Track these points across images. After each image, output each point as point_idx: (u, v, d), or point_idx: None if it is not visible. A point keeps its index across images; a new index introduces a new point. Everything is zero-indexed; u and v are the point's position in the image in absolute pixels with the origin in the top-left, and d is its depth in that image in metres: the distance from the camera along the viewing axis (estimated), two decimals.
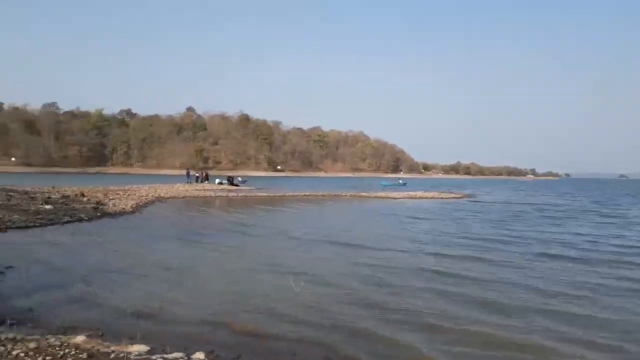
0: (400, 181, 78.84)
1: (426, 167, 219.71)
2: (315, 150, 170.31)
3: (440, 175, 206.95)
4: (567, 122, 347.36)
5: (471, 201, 39.38)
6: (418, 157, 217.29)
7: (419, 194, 45.50)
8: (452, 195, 46.93)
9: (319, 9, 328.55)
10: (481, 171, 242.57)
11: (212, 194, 36.21)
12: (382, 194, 43.91)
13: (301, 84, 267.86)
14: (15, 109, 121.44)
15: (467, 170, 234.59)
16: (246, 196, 36.03)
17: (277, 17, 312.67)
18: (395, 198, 39.70)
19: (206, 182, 47.84)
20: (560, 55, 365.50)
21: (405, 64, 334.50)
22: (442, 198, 42.23)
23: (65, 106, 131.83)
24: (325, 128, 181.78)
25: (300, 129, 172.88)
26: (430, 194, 45.18)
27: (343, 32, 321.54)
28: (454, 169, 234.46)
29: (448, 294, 8.42)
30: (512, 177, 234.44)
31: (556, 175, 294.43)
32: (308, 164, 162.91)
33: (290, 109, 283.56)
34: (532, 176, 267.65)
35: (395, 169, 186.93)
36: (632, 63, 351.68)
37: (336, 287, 8.75)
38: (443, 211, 27.84)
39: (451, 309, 7.55)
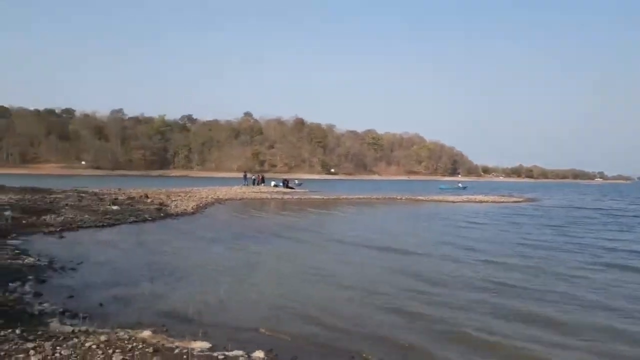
0: (459, 184, 76.30)
1: (486, 170, 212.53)
2: (369, 153, 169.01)
3: (501, 179, 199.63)
4: (567, 122, 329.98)
5: (533, 205, 37.88)
6: (477, 159, 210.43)
7: (478, 197, 44.11)
8: (513, 199, 45.37)
9: (319, 9, 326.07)
10: (544, 174, 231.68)
11: (268, 196, 36.94)
12: (439, 197, 43.07)
13: (301, 84, 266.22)
14: (86, 115, 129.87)
15: (530, 174, 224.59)
16: (300, 199, 36.49)
17: (277, 17, 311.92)
18: (453, 202, 38.85)
19: (262, 184, 48.89)
20: (560, 55, 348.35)
21: (405, 64, 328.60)
22: (502, 202, 40.92)
23: (130, 112, 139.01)
24: (380, 131, 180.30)
25: (354, 132, 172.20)
26: (490, 198, 43.83)
27: (343, 32, 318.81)
28: (516, 172, 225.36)
29: (497, 307, 8.10)
30: (579, 181, 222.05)
31: (627, 178, 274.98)
32: (362, 166, 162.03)
33: (291, 108, 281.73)
34: (601, 179, 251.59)
35: (453, 172, 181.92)
36: (632, 63, 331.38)
37: (384, 295, 8.77)
38: (502, 216, 27.00)
39: (498, 323, 7.25)
